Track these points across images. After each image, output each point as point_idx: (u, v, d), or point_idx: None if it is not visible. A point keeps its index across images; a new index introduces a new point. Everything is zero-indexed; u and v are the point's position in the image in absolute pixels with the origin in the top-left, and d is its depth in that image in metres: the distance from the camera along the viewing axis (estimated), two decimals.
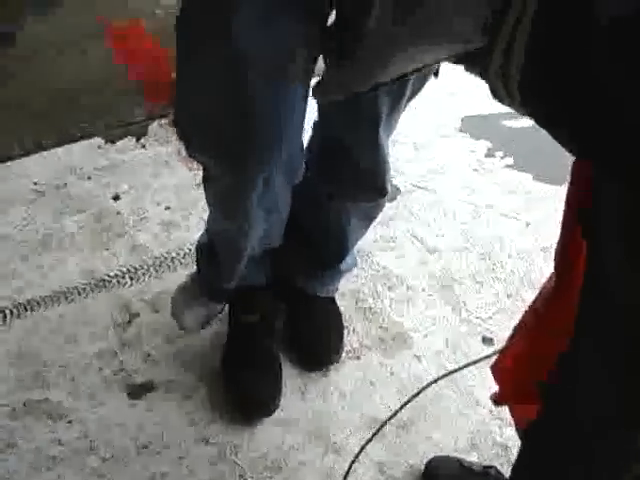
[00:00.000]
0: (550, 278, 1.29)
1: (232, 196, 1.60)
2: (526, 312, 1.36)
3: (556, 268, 1.21)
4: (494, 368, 1.45)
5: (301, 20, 1.32)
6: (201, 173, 1.69)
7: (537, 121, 0.86)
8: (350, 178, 1.72)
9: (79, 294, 2.11)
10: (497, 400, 1.42)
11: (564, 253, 1.15)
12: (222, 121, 1.45)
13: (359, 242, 1.98)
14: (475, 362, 1.57)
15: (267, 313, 1.92)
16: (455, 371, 1.70)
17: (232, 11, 1.29)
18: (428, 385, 1.78)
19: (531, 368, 1.28)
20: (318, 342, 1.99)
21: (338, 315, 2.04)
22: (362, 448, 1.63)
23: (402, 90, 1.52)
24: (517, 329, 1.36)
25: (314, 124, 1.75)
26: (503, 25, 0.82)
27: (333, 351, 1.99)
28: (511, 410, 1.48)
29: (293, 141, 1.53)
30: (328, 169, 1.75)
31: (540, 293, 1.32)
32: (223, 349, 1.96)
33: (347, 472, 1.62)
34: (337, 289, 2.05)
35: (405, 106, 1.60)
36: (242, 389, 1.89)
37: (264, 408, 1.89)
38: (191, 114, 1.51)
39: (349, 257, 1.97)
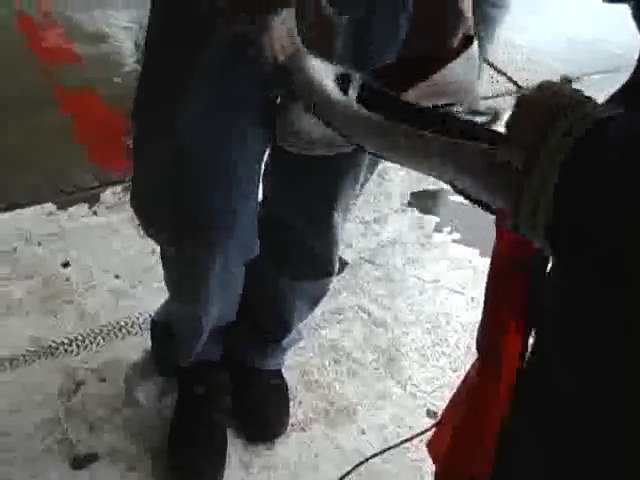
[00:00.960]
0: (473, 366, 1.31)
1: (189, 275, 1.63)
2: (451, 403, 1.38)
3: (479, 351, 1.23)
4: (430, 447, 1.46)
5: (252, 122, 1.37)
6: (151, 241, 1.71)
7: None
8: (299, 260, 1.75)
9: (25, 361, 2.10)
10: None
11: (490, 338, 1.17)
12: (171, 214, 1.49)
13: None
14: (411, 438, 1.58)
15: (214, 385, 1.92)
16: (396, 445, 1.71)
17: (177, 108, 1.34)
18: (369, 458, 1.79)
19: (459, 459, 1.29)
20: (263, 415, 1.99)
21: (284, 388, 2.05)
22: None
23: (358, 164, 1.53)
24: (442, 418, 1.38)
25: (262, 202, 1.75)
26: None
27: (278, 424, 2.00)
28: None
29: (246, 224, 1.55)
30: (276, 249, 1.76)
31: (463, 383, 1.34)
32: (170, 420, 1.95)
33: None
34: (283, 362, 2.06)
35: (362, 184, 1.62)
36: (183, 465, 1.89)
37: None
38: (144, 201, 1.54)
39: (294, 332, 1.99)
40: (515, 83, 3.37)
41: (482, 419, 1.19)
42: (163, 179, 1.46)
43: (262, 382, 2.01)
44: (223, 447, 1.92)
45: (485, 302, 1.18)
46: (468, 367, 2.03)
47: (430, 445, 1.46)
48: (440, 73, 1.18)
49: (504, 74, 3.42)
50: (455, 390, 1.37)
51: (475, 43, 1.23)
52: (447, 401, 1.81)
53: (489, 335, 1.17)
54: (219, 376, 1.94)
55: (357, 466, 1.68)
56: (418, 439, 1.41)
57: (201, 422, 1.92)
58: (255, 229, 1.62)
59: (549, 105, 0.77)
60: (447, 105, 1.24)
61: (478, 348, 1.24)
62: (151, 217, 1.57)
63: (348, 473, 1.70)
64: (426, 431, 1.49)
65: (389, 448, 1.74)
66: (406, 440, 1.61)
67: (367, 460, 1.69)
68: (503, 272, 1.06)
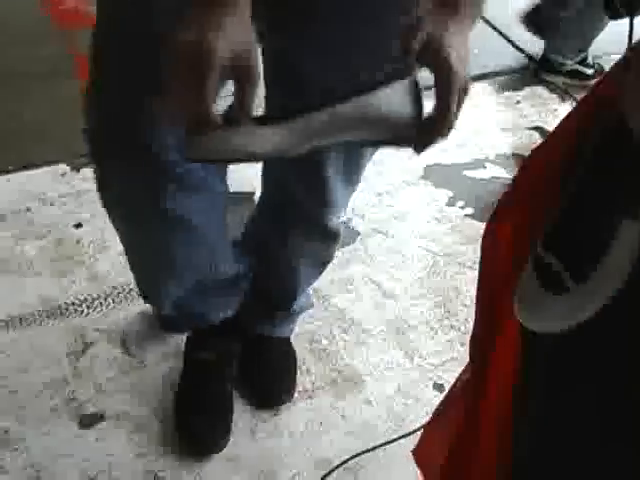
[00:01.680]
0: (466, 369, 1.30)
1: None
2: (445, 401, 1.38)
3: (472, 357, 1.22)
4: (416, 454, 1.47)
5: None
6: None
7: None
8: (293, 219, 1.74)
9: (34, 320, 2.10)
10: None
11: (481, 341, 1.15)
12: None
13: (316, 283, 2.01)
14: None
15: (221, 351, 1.92)
16: (411, 433, 1.72)
17: None
18: (385, 444, 1.81)
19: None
20: (269, 383, 2.00)
21: (292, 356, 2.06)
22: None
23: None
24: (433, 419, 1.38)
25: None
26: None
27: (285, 392, 2.00)
28: None
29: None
30: (275, 212, 1.77)
31: (457, 381, 1.34)
32: (178, 385, 1.96)
33: None
34: (292, 329, 2.07)
35: (366, 153, 1.60)
36: (191, 429, 1.90)
37: (210, 448, 1.89)
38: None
39: (303, 298, 1.99)
40: None
41: (477, 429, 1.18)
42: None
43: (270, 350, 2.02)
44: (229, 413, 1.93)
45: (478, 302, 1.16)
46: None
47: (418, 453, 1.46)
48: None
49: None
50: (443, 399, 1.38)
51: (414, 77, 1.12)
52: (454, 374, 1.83)
53: (482, 338, 1.16)
54: (227, 342, 1.94)
55: (373, 449, 1.69)
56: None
57: (208, 388, 1.93)
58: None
59: None
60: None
61: (471, 356, 1.23)
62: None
63: (361, 453, 1.72)
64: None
65: (406, 435, 1.76)
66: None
67: (386, 444, 1.71)
68: (501, 270, 1.05)
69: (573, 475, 0.96)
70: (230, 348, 1.95)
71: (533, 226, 0.97)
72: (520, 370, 1.04)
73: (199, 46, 0.96)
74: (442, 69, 1.10)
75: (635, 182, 0.79)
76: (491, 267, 1.09)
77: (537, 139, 2.96)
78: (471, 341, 1.20)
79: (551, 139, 1.02)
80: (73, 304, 2.14)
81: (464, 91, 1.14)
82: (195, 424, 1.89)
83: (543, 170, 0.98)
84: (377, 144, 1.28)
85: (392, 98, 1.10)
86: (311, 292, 2.05)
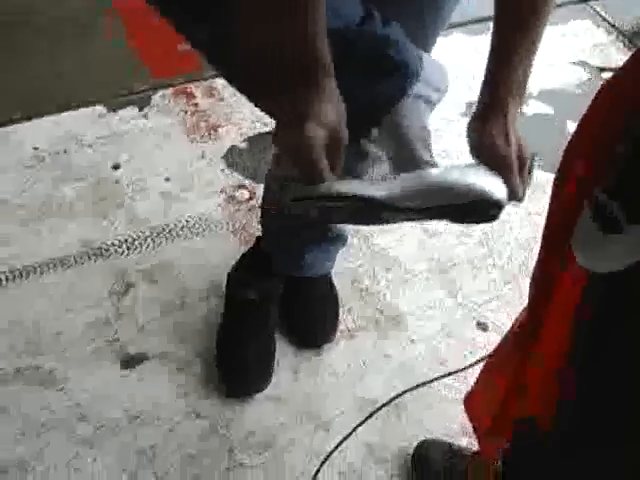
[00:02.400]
0: (522, 314, 1.28)
1: None
2: (498, 349, 1.36)
3: (531, 302, 1.20)
4: (466, 403, 1.45)
5: None
6: (201, 145, 1.66)
7: None
8: None
9: (75, 262, 2.10)
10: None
11: (540, 284, 1.14)
12: None
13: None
14: (478, 361, 1.55)
15: (264, 291, 1.91)
16: (458, 371, 1.69)
17: None
18: (427, 382, 1.79)
19: (505, 404, 1.27)
20: (311, 323, 1.99)
21: (333, 295, 2.04)
22: (353, 430, 1.62)
23: None
24: (487, 366, 1.36)
25: None
26: None
27: (326, 333, 1.99)
28: (480, 443, 1.48)
29: None
30: None
31: (512, 331, 1.31)
32: (219, 325, 1.95)
33: (334, 449, 1.62)
34: (332, 267, 2.03)
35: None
36: (233, 368, 1.89)
37: (253, 388, 1.89)
38: None
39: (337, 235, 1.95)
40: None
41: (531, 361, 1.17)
42: None
43: (312, 288, 2.00)
44: (272, 352, 1.92)
45: (541, 250, 1.15)
46: (520, 281, 2.00)
47: (469, 403, 1.45)
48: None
49: None
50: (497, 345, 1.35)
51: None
52: (498, 313, 1.80)
53: (540, 282, 1.14)
54: (269, 281, 1.92)
55: (417, 387, 1.67)
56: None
57: (250, 327, 1.92)
58: None
59: None
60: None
61: (529, 295, 1.21)
62: None
63: (406, 391, 1.70)
64: (480, 361, 1.48)
65: (451, 373, 1.74)
66: (465, 368, 1.60)
67: (430, 382, 1.69)
68: (564, 220, 1.03)
69: (623, 420, 0.95)
70: (272, 287, 1.92)
71: (596, 176, 0.96)
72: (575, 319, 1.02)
73: (300, 142, 0.98)
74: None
75: None
76: (556, 218, 1.08)
77: (582, 74, 2.88)
78: (531, 282, 1.19)
79: (616, 86, 0.99)
80: (113, 245, 2.14)
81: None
82: (238, 363, 1.89)
83: (607, 120, 0.95)
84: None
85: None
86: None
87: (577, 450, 1.11)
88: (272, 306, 1.94)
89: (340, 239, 1.93)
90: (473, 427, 1.46)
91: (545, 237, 1.14)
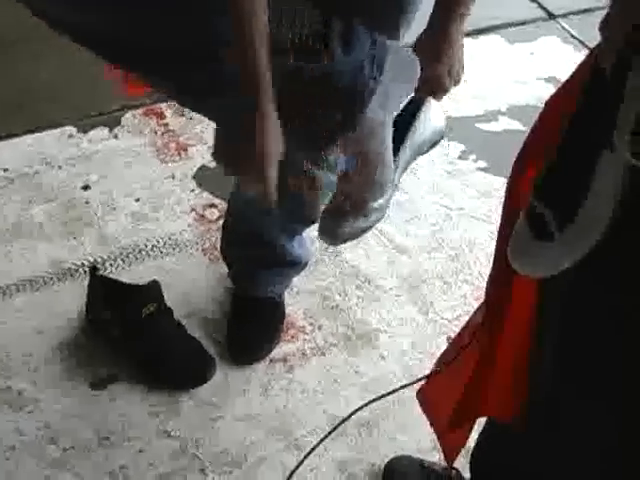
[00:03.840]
0: (477, 311, 1.29)
1: None
2: (451, 345, 1.37)
3: (488, 300, 1.22)
4: (420, 399, 1.46)
5: None
6: (172, 165, 1.67)
7: None
8: None
9: (45, 283, 2.10)
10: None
11: (497, 284, 1.16)
12: None
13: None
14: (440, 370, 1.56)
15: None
16: (423, 378, 1.69)
17: None
18: (397, 390, 1.78)
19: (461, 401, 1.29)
20: (243, 341, 2.03)
21: (275, 321, 2.06)
22: (320, 441, 1.62)
23: None
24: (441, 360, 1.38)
25: None
26: None
27: (255, 353, 2.01)
28: (440, 440, 1.49)
29: None
30: None
31: (467, 327, 1.33)
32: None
33: (299, 464, 1.61)
34: (281, 288, 2.06)
35: None
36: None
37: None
38: None
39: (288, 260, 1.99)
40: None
41: (490, 362, 1.18)
42: None
43: (252, 307, 2.03)
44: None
45: (498, 247, 1.17)
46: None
47: (423, 394, 1.46)
48: None
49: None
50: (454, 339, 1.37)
51: None
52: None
53: (498, 282, 1.16)
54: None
55: (384, 396, 1.67)
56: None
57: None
58: None
59: None
60: None
61: (487, 294, 1.23)
62: None
63: (373, 401, 1.69)
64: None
65: (418, 380, 1.74)
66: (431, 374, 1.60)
67: (398, 390, 1.69)
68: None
69: (589, 405, 0.98)
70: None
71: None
72: (537, 306, 1.04)
73: None
74: None
75: (609, 114, 0.81)
76: (508, 218, 1.10)
77: (551, 90, 2.90)
78: (489, 282, 1.21)
79: (564, 90, 1.02)
80: (83, 265, 2.13)
81: None
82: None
83: (558, 123, 0.98)
84: None
85: None
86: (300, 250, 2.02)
87: (544, 443, 1.13)
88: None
89: (294, 264, 1.97)
90: (430, 423, 1.47)
91: (497, 249, 1.16)
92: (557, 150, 0.94)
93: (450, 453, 1.51)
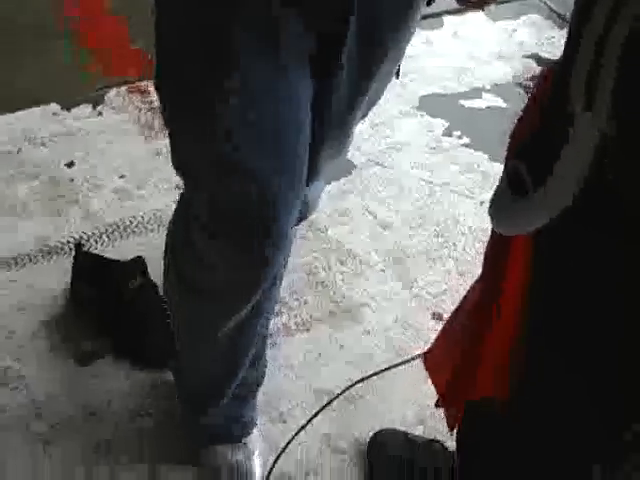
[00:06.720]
0: (472, 289, 1.30)
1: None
2: (448, 323, 1.38)
3: (484, 274, 1.22)
4: (426, 359, 1.47)
5: None
6: (156, 142, 1.66)
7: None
8: None
9: (30, 260, 2.09)
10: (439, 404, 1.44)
11: (495, 258, 1.16)
12: None
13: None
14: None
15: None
16: (408, 361, 1.70)
17: None
18: (384, 370, 1.79)
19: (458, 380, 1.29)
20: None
21: None
22: (310, 420, 1.64)
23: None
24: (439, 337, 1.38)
25: None
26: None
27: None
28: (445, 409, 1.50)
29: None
30: None
31: (461, 305, 1.33)
32: None
33: (289, 442, 1.63)
34: None
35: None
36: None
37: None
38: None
39: None
40: None
41: (484, 339, 1.19)
42: None
43: None
44: None
45: None
46: (475, 271, 2.02)
47: (429, 365, 1.46)
48: None
49: None
50: (454, 310, 1.37)
51: None
52: (453, 303, 1.82)
53: (495, 252, 1.16)
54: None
55: (372, 375, 1.69)
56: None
57: None
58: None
59: None
60: None
61: (485, 260, 1.23)
62: None
63: (361, 380, 1.71)
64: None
65: (404, 362, 1.75)
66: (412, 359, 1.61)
67: (385, 370, 1.70)
68: None
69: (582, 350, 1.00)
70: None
71: None
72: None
73: None
74: None
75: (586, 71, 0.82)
76: None
77: (534, 67, 2.92)
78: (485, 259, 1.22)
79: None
80: (68, 242, 2.13)
81: None
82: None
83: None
84: None
85: None
86: None
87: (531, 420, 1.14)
88: None
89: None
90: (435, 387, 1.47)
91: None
92: (539, 114, 0.95)
93: (452, 421, 1.50)
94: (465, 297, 1.35)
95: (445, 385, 1.35)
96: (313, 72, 1.23)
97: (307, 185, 1.47)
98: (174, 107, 1.25)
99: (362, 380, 1.79)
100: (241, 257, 1.27)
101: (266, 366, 1.77)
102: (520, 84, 2.83)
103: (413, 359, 1.68)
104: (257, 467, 1.73)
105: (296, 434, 1.63)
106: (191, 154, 1.26)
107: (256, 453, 1.75)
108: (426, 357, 1.48)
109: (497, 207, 1.01)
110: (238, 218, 1.23)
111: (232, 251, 1.27)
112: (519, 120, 1.05)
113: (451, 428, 1.46)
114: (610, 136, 0.82)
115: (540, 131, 0.95)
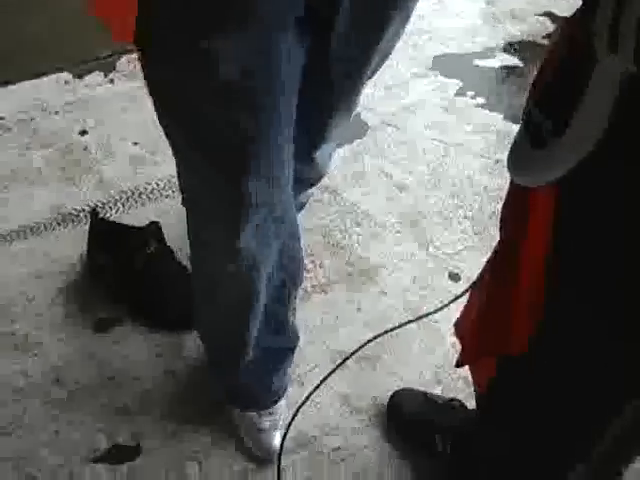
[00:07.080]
0: (495, 251, 1.29)
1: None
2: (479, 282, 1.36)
3: (504, 230, 1.21)
4: (457, 328, 1.46)
5: None
6: None
7: None
8: None
9: (46, 229, 2.10)
10: (460, 362, 1.43)
11: (515, 217, 1.15)
12: None
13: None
14: (446, 305, 1.56)
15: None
16: (427, 315, 1.68)
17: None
18: (400, 326, 1.79)
19: (492, 331, 1.28)
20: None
21: None
22: (324, 379, 1.63)
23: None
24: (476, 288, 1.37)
25: None
26: None
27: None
28: (472, 372, 1.49)
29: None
30: None
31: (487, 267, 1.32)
32: None
33: (305, 399, 1.63)
34: None
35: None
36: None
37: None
38: None
39: None
40: None
41: (507, 294, 1.18)
42: None
43: None
44: None
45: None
46: (491, 230, 2.01)
47: (457, 325, 1.46)
48: None
49: None
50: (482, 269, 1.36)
51: None
52: (469, 263, 1.81)
53: (514, 210, 1.15)
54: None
55: (386, 332, 1.67)
56: (446, 309, 1.41)
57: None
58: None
59: None
60: None
61: (502, 221, 1.22)
62: None
63: (376, 337, 1.70)
64: (457, 298, 1.48)
65: (421, 317, 1.74)
66: (440, 309, 1.60)
67: (400, 326, 1.69)
68: None
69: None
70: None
71: None
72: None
73: None
74: None
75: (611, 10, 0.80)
76: None
77: (548, 25, 2.89)
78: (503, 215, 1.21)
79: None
80: (83, 210, 2.13)
81: None
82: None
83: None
84: None
85: None
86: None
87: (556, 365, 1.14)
88: None
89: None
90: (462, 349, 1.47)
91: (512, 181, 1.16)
92: (558, 64, 0.94)
93: (481, 383, 1.50)
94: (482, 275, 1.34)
95: (476, 349, 1.35)
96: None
97: (316, 148, 1.46)
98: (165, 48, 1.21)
99: (375, 338, 1.78)
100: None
101: (298, 336, 1.77)
102: (534, 42, 2.80)
103: (427, 315, 1.67)
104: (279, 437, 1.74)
105: (310, 394, 1.63)
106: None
107: (281, 423, 1.76)
108: (456, 328, 1.49)
109: (515, 157, 1.00)
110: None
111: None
112: (539, 72, 1.04)
113: (479, 386, 1.45)
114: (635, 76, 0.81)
115: (559, 81, 0.94)
